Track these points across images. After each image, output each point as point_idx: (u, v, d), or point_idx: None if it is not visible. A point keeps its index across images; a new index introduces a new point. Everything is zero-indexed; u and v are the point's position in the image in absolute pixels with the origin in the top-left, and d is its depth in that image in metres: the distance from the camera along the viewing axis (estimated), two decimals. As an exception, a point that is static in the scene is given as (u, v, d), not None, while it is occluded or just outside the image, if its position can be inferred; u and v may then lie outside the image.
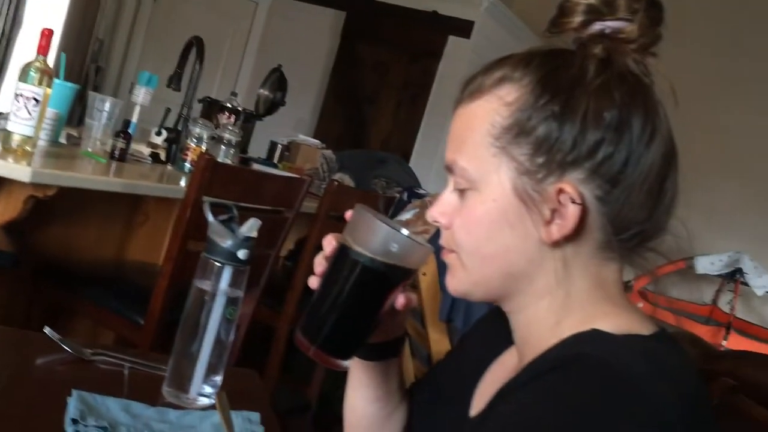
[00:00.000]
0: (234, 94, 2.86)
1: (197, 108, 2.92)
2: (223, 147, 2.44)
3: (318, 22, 4.87)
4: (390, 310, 0.71)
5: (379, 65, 4.76)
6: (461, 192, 0.68)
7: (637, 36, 0.65)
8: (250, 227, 0.98)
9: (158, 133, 2.50)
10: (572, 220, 0.63)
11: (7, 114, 1.73)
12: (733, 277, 3.74)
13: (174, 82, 2.59)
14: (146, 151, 2.43)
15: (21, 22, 3.86)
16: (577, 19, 0.66)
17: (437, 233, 0.77)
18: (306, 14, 4.87)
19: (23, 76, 1.70)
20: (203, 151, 2.28)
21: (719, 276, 3.80)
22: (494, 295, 0.69)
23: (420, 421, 0.85)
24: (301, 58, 4.56)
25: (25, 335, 1.05)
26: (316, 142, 3.27)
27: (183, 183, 2.13)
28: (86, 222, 2.16)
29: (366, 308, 0.70)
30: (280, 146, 3.14)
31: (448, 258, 0.70)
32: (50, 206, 1.72)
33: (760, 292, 3.67)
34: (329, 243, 0.73)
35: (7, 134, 1.71)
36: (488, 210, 0.65)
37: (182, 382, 0.96)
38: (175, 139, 2.49)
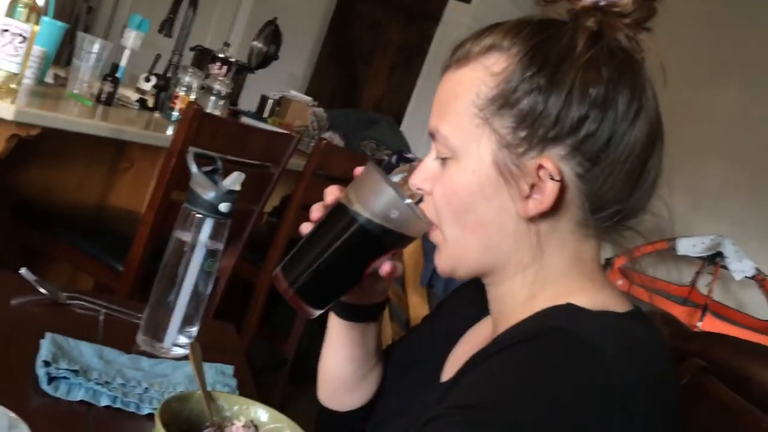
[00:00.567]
0: (227, 44, 2.80)
1: (188, 56, 2.87)
2: (212, 98, 2.41)
3: (317, -24, 4.79)
4: (373, 274, 0.71)
5: (375, 24, 4.69)
6: (443, 160, 0.68)
7: (631, 10, 0.64)
8: (234, 180, 0.97)
9: (147, 79, 2.46)
10: (550, 196, 0.63)
11: (-7, 49, 1.69)
12: (714, 260, 3.76)
13: (166, 27, 2.54)
14: (134, 96, 2.39)
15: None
16: None
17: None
18: (305, -33, 4.78)
19: (10, 11, 1.66)
20: (192, 100, 2.24)
21: (700, 258, 3.83)
22: (476, 271, 0.69)
23: (392, 383, 0.86)
24: (297, 11, 4.47)
25: (1, 275, 1.04)
26: (308, 99, 3.23)
27: (170, 132, 2.10)
28: (70, 165, 2.13)
29: (351, 267, 0.69)
30: (270, 101, 3.10)
31: (434, 236, 0.69)
32: (34, 146, 1.69)
33: (738, 277, 3.70)
34: (331, 193, 0.73)
35: (-8, 70, 1.67)
36: (468, 181, 0.65)
37: (157, 332, 0.96)
38: (164, 87, 2.45)
